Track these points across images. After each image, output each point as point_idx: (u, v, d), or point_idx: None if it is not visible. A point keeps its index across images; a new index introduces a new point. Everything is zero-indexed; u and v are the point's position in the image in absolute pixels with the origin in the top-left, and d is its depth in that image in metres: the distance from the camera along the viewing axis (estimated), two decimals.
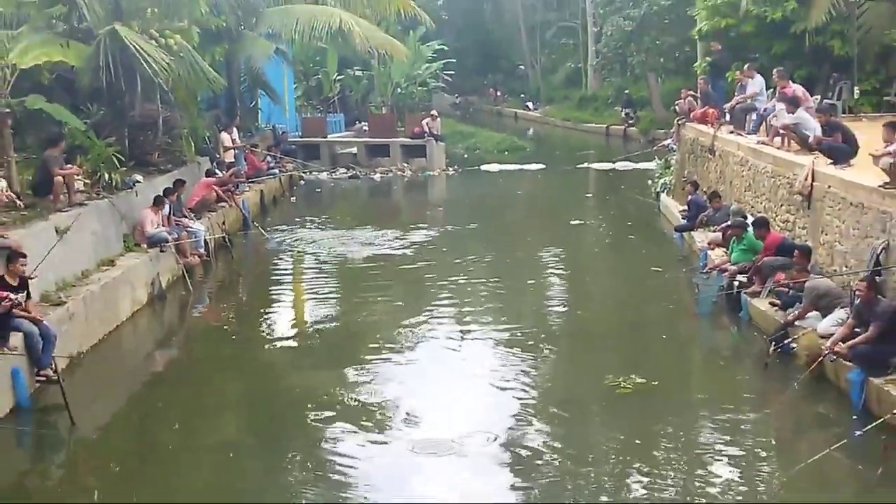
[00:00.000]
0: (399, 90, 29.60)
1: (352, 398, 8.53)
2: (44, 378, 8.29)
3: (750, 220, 11.58)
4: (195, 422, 8.29)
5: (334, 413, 8.01)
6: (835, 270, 9.29)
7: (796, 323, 8.71)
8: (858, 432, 6.94)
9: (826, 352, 7.82)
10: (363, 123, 27.99)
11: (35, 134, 12.88)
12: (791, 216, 11.16)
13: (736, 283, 10.59)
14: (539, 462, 6.90)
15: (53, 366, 8.32)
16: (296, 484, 6.83)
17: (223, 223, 15.69)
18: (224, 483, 7.01)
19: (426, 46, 31.40)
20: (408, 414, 7.91)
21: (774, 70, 14.69)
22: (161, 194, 13.49)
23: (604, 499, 6.47)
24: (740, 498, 6.40)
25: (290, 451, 7.31)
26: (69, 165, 11.45)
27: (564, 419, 7.91)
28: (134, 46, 12.25)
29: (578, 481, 6.65)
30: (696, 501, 6.20)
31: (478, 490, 6.54)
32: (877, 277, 8.10)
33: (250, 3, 19.16)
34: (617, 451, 7.28)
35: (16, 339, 8.06)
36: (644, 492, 6.41)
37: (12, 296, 7.83)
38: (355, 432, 7.50)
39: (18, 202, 10.42)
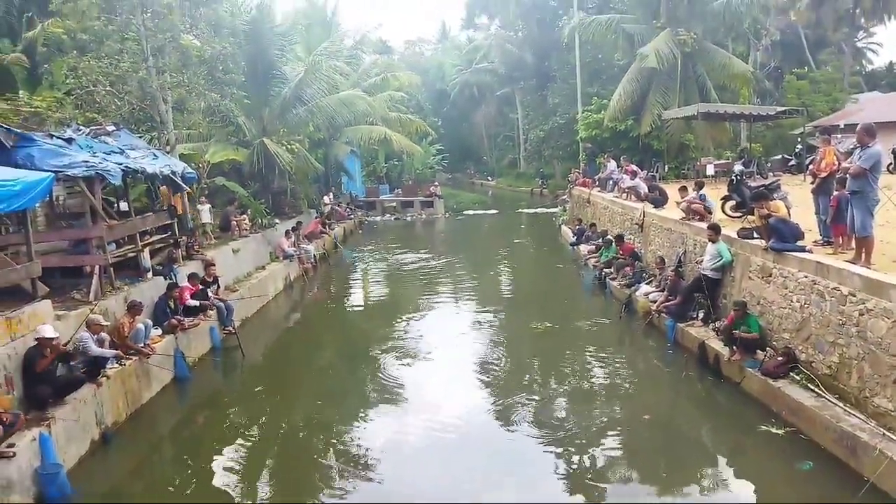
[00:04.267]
0: (418, 171, 47.92)
1: (395, 338, 14.14)
2: (227, 332, 13.72)
3: (611, 237, 17.79)
4: (311, 353, 13.83)
5: (386, 347, 13.43)
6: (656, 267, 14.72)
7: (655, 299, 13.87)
8: (670, 350, 11.79)
9: (653, 311, 13.08)
10: (399, 189, 43.00)
11: (220, 198, 20.22)
12: (632, 236, 17.20)
13: (603, 274, 16.47)
14: (494, 368, 11.85)
15: (233, 325, 13.81)
16: (368, 389, 11.12)
17: (324, 245, 25.04)
18: (326, 387, 11.55)
19: (432, 147, 50.06)
20: (426, 343, 13.36)
21: (622, 157, 23.95)
22: (290, 229, 21.33)
23: (525, 383, 10.72)
24: (609, 380, 10.54)
25: (361, 369, 12.27)
26: (241, 215, 18.08)
27: (510, 344, 13.30)
28: (273, 151, 20.53)
29: (514, 378, 11.36)
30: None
31: (460, 389, 10.55)
32: (679, 269, 13.52)
33: (336, 124, 28.28)
34: (535, 363, 12.31)
35: (212, 311, 13.63)
36: (551, 383, 10.94)
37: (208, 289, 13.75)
38: (398, 358, 12.60)
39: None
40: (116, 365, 10.13)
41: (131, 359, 10.49)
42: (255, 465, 8.76)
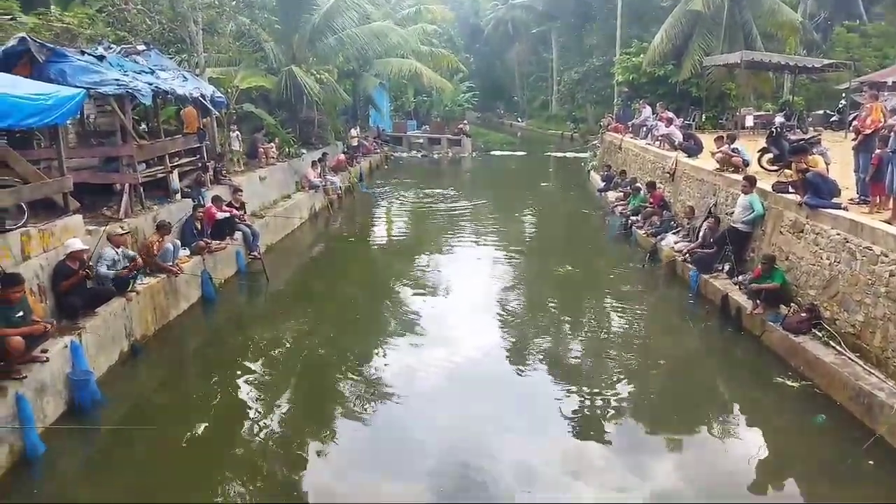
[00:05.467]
0: (447, 108, 44.99)
1: (416, 273, 14.35)
2: (252, 257, 13.98)
3: (640, 185, 17.59)
4: (333, 282, 13.98)
5: (406, 281, 13.69)
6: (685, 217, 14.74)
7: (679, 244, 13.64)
8: (691, 301, 11.64)
9: (679, 258, 12.91)
10: (427, 126, 42.29)
11: (248, 125, 20.02)
12: (662, 184, 16.88)
13: (630, 221, 16.33)
14: (513, 307, 12.00)
15: (258, 250, 14.06)
16: (387, 321, 11.37)
17: (349, 177, 25.10)
18: (346, 315, 11.73)
19: (462, 84, 47.43)
20: (447, 281, 13.40)
21: (658, 103, 22.85)
22: (316, 160, 21.15)
23: (543, 324, 10.74)
24: (627, 326, 10.59)
25: (381, 301, 12.53)
26: (268, 143, 17.95)
27: (530, 285, 13.45)
28: (301, 79, 19.65)
29: (532, 318, 11.46)
30: None
31: (477, 326, 10.73)
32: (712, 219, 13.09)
33: (366, 56, 27.51)
34: (554, 305, 12.35)
35: (238, 235, 13.85)
36: (569, 325, 11.08)
37: (236, 212, 13.94)
38: (418, 293, 12.80)
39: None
40: (145, 281, 10.38)
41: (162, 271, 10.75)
42: (277, 384, 9.05)
